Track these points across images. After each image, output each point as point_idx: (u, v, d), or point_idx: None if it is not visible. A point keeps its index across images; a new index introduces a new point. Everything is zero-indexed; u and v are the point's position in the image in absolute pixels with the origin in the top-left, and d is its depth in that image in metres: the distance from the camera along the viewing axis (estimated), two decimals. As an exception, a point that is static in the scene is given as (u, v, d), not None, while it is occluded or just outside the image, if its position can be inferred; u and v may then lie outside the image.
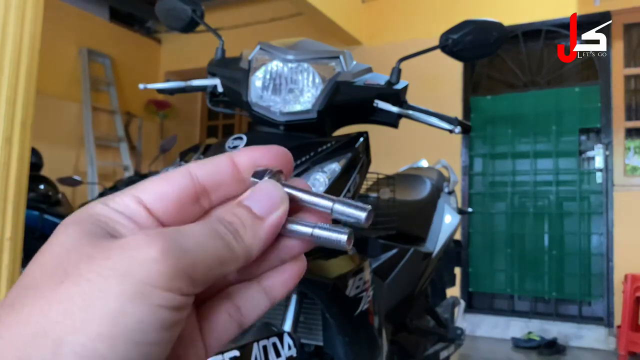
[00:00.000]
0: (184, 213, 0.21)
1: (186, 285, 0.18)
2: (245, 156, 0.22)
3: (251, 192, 0.21)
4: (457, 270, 1.90)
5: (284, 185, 0.22)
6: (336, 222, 0.22)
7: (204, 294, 0.22)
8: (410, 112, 1.06)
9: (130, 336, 0.16)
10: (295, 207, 0.22)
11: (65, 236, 0.18)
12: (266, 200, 0.21)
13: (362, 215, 0.21)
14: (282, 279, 0.23)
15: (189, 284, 0.18)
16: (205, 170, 0.22)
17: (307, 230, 0.21)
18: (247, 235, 0.20)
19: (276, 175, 0.22)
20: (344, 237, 0.21)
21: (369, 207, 0.22)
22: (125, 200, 0.20)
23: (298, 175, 0.89)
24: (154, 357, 0.17)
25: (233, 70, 1.03)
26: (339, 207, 0.22)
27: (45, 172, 3.16)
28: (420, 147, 3.21)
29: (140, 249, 0.17)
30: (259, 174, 0.22)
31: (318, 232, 0.21)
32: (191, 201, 0.21)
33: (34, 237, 2.66)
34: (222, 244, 0.19)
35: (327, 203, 0.22)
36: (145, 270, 0.17)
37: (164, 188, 0.21)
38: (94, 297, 0.16)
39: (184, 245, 0.18)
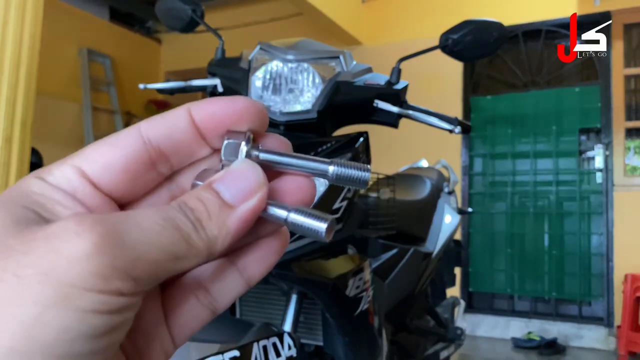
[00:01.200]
0: (138, 183, 0.18)
1: (126, 285, 0.14)
2: (204, 110, 0.18)
3: (224, 174, 0.18)
4: (457, 270, 1.90)
5: (263, 151, 0.19)
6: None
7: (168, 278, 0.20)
8: (410, 112, 1.06)
9: (52, 350, 0.13)
10: (275, 174, 0.19)
11: None
12: (241, 186, 0.17)
13: (366, 175, 0.19)
14: (258, 256, 0.19)
15: (131, 284, 0.15)
16: (157, 129, 0.18)
17: (282, 213, 0.18)
18: (210, 226, 0.17)
19: (249, 140, 0.18)
20: (322, 227, 0.18)
21: (369, 167, 0.19)
22: (65, 173, 0.17)
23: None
24: None
25: (233, 70, 1.03)
26: (336, 168, 0.19)
27: (45, 172, 3.15)
28: (420, 147, 3.21)
29: (69, 240, 0.14)
30: (231, 140, 0.18)
31: (294, 217, 0.18)
32: (145, 167, 0.18)
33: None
34: (177, 236, 0.16)
35: (320, 165, 0.19)
36: (73, 269, 0.14)
37: (109, 156, 0.17)
38: (7, 303, 0.13)
39: (126, 237, 0.15)
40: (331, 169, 0.19)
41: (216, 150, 0.19)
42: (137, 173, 0.18)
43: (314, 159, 0.19)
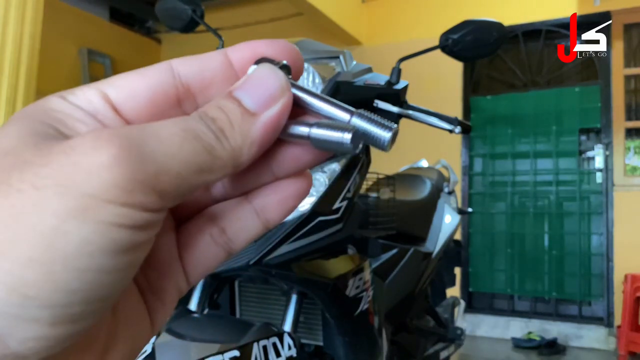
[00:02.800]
0: (161, 117, 0.17)
1: (150, 199, 0.14)
2: (243, 50, 0.18)
3: (244, 80, 0.17)
4: (457, 270, 1.90)
5: (292, 85, 0.17)
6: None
7: (182, 212, 0.19)
8: (410, 112, 1.06)
9: (72, 262, 0.13)
10: (300, 112, 0.18)
11: (4, 137, 0.14)
12: (262, 92, 0.16)
13: (387, 135, 0.17)
14: (278, 198, 0.18)
15: (155, 198, 0.14)
16: (190, 66, 0.17)
17: (304, 129, 0.17)
18: (234, 136, 0.16)
19: (283, 69, 0.17)
20: (347, 137, 0.16)
21: (395, 125, 0.17)
22: (88, 95, 0.16)
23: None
24: (106, 288, 0.14)
25: (233, 70, 1.03)
26: (357, 120, 0.17)
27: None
28: (420, 147, 3.21)
29: (86, 153, 0.13)
30: (259, 63, 0.17)
31: (317, 131, 0.17)
32: (170, 103, 0.17)
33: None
34: (200, 147, 0.15)
35: (342, 114, 0.17)
36: (93, 180, 0.13)
37: (137, 83, 0.17)
38: (25, 213, 0.13)
39: (146, 148, 0.14)
40: (351, 119, 0.17)
41: None
42: (161, 106, 0.17)
43: (339, 104, 0.18)
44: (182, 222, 0.19)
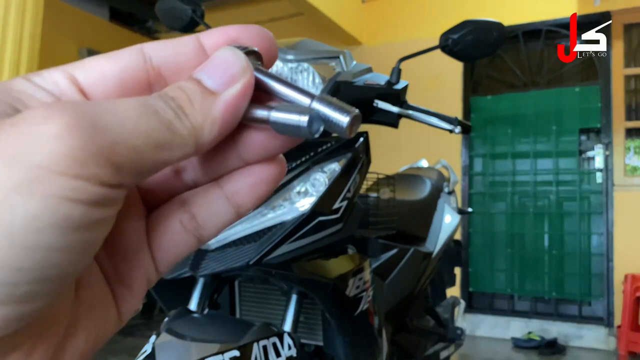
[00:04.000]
0: None
1: (105, 171, 0.13)
2: (215, 35, 0.17)
3: (206, 62, 0.17)
4: (457, 270, 1.90)
5: (257, 69, 0.17)
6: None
7: (153, 199, 0.19)
8: (411, 112, 1.06)
9: (18, 238, 0.12)
10: (265, 99, 0.18)
11: None
12: (222, 71, 0.16)
13: (345, 120, 0.16)
14: (249, 183, 0.18)
15: (110, 170, 0.13)
16: (162, 50, 0.17)
17: (264, 113, 0.17)
18: (194, 114, 0.15)
19: (251, 55, 0.17)
20: (304, 119, 0.16)
21: (356, 110, 0.17)
22: (54, 77, 0.16)
23: (298, 175, 0.89)
24: (56, 268, 0.13)
25: (233, 70, 1.03)
26: (317, 104, 0.17)
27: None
28: (420, 147, 3.21)
29: (37, 124, 0.13)
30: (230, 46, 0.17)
31: (276, 114, 0.16)
32: (141, 87, 0.17)
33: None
34: (158, 122, 0.14)
35: (303, 98, 0.17)
36: (43, 150, 0.12)
37: (106, 67, 0.16)
38: None
39: (99, 119, 0.13)
40: (312, 103, 0.17)
41: None
42: (131, 89, 0.16)
43: (301, 89, 0.17)
44: (151, 209, 0.19)
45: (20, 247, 0.12)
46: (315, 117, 0.16)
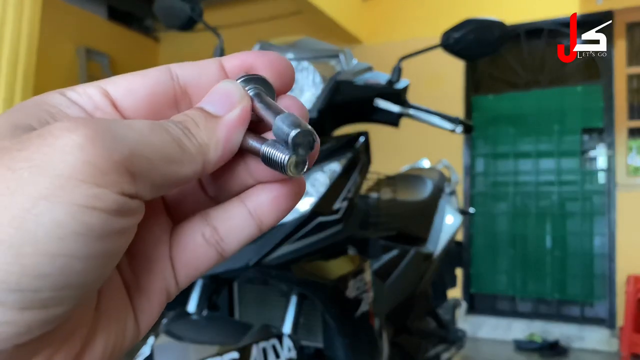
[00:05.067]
0: (159, 117, 0.18)
1: (126, 180, 0.14)
2: (235, 60, 0.19)
3: (207, 95, 0.18)
4: (459, 272, 1.89)
5: (257, 94, 0.19)
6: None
7: (178, 215, 0.20)
8: (412, 111, 1.05)
9: (42, 245, 0.13)
10: (263, 128, 0.19)
11: None
12: (222, 99, 0.18)
13: (286, 157, 0.17)
14: (271, 197, 0.19)
15: (130, 179, 0.14)
16: (187, 70, 0.19)
17: (258, 144, 0.18)
18: (200, 134, 0.17)
19: (259, 81, 0.19)
20: (285, 158, 0.17)
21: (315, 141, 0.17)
22: (88, 91, 0.17)
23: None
24: (78, 276, 0.13)
25: (232, 69, 1.02)
26: (267, 147, 0.18)
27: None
28: (422, 147, 3.20)
29: (61, 136, 0.13)
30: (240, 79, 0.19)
31: (266, 148, 0.18)
32: (168, 102, 0.18)
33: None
34: (168, 137, 0.16)
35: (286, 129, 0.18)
36: (66, 159, 0.13)
37: (136, 82, 0.18)
38: None
39: (118, 132, 0.14)
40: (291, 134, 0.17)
41: None
42: (159, 104, 0.18)
43: (285, 120, 0.18)
44: (174, 222, 0.19)
45: (44, 255, 0.13)
46: (296, 158, 0.17)
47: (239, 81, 0.19)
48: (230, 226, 0.19)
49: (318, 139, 0.18)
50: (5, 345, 0.13)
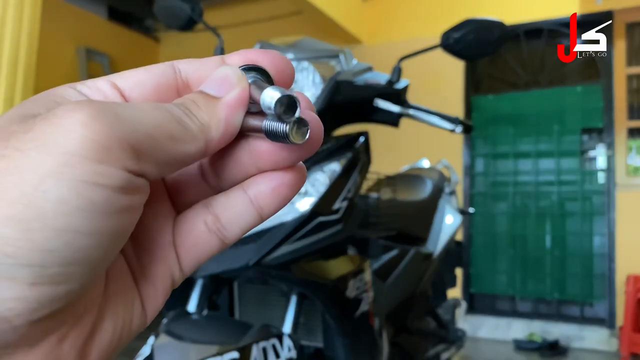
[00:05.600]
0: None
1: (130, 157, 0.14)
2: (238, 57, 0.20)
3: (206, 82, 0.19)
4: (458, 272, 1.89)
5: (256, 82, 0.19)
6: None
7: (182, 202, 0.20)
8: (411, 111, 1.05)
9: (50, 221, 0.13)
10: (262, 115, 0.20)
11: (2, 116, 0.16)
12: (221, 82, 0.18)
13: (285, 128, 0.18)
14: (272, 186, 0.19)
15: (133, 156, 0.15)
16: (190, 65, 0.19)
17: (259, 122, 0.19)
18: (200, 113, 0.17)
19: (255, 71, 0.19)
20: (286, 126, 0.18)
21: (306, 124, 0.18)
22: (98, 84, 0.18)
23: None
24: (84, 251, 0.14)
25: (232, 69, 1.02)
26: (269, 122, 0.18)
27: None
28: (422, 147, 3.20)
29: (67, 114, 0.14)
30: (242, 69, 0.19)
31: (268, 122, 0.18)
32: (172, 93, 0.19)
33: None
34: (169, 116, 0.16)
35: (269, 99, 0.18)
36: (71, 136, 0.14)
37: (143, 75, 0.18)
38: (8, 174, 0.13)
39: (121, 111, 0.15)
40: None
41: None
42: (165, 94, 0.19)
43: (269, 91, 0.18)
44: (178, 210, 0.20)
45: (50, 230, 0.13)
46: (296, 124, 0.18)
47: (247, 74, 0.19)
48: (232, 214, 0.19)
49: (299, 100, 0.18)
50: (20, 321, 0.14)
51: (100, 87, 0.18)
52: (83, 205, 0.13)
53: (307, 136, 0.18)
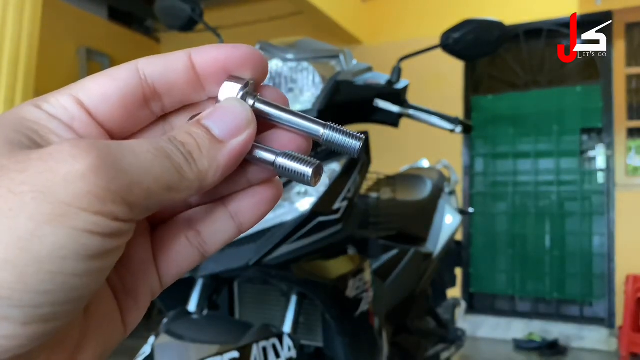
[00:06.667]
0: (132, 119, 0.18)
1: (121, 210, 0.15)
2: (206, 55, 0.19)
3: (213, 110, 0.18)
4: (458, 271, 1.89)
5: (259, 100, 0.19)
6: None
7: (159, 216, 0.20)
8: (411, 111, 1.06)
9: (45, 265, 0.14)
10: (268, 125, 0.19)
11: None
12: (230, 122, 0.18)
13: (357, 144, 0.19)
14: (252, 203, 0.20)
15: (126, 209, 0.15)
16: (154, 67, 0.18)
17: (270, 157, 0.19)
18: (202, 160, 0.17)
19: (250, 88, 0.19)
20: (309, 171, 0.18)
21: (363, 136, 0.19)
22: (62, 102, 0.17)
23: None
24: (76, 291, 0.15)
25: (232, 70, 1.02)
26: (329, 132, 0.19)
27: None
28: (421, 147, 3.20)
29: (65, 161, 0.14)
30: (230, 82, 0.19)
31: (282, 161, 0.18)
32: (139, 104, 0.18)
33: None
34: (169, 165, 0.16)
35: (313, 126, 0.19)
36: (69, 188, 0.14)
37: (107, 87, 0.17)
38: (2, 217, 0.13)
39: (120, 162, 0.15)
40: (323, 131, 0.19)
41: (212, 98, 0.20)
42: (131, 107, 0.18)
43: (309, 118, 0.19)
44: (158, 225, 0.20)
45: (46, 273, 0.14)
46: (319, 169, 0.19)
47: (239, 94, 0.18)
48: (213, 229, 0.20)
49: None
50: (7, 356, 0.14)
51: (66, 107, 0.17)
52: (77, 250, 0.14)
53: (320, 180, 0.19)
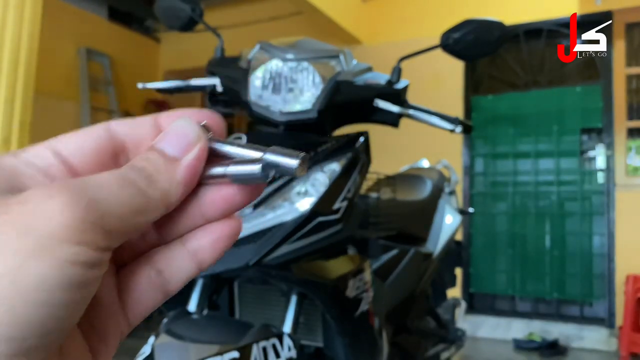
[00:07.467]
0: (103, 167, 0.19)
1: (100, 237, 0.16)
2: (170, 117, 0.21)
3: (163, 134, 0.20)
4: (458, 271, 1.89)
5: (211, 139, 0.20)
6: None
7: (122, 257, 0.21)
8: (411, 111, 1.06)
9: (32, 297, 0.14)
10: (219, 161, 0.20)
11: None
12: (180, 140, 0.19)
13: (294, 162, 0.19)
14: (211, 240, 0.20)
15: (103, 237, 0.16)
16: (124, 126, 0.20)
17: (220, 169, 0.20)
18: (162, 180, 0.18)
19: (202, 128, 0.20)
20: (257, 168, 0.19)
21: (302, 153, 0.19)
22: (39, 151, 0.18)
23: (298, 175, 0.88)
24: (61, 321, 0.15)
25: (232, 70, 1.02)
26: (268, 155, 0.19)
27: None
28: (421, 147, 3.20)
29: (42, 201, 0.15)
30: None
31: (232, 168, 0.19)
32: (109, 156, 0.20)
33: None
34: (135, 191, 0.17)
35: (255, 153, 0.20)
36: (50, 223, 0.15)
37: (82, 140, 0.19)
38: None
39: (92, 194, 0.16)
40: (263, 155, 0.20)
41: None
42: (102, 158, 0.20)
43: (251, 146, 0.20)
44: (121, 267, 0.21)
45: (32, 305, 0.14)
46: (267, 165, 0.19)
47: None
48: (175, 268, 0.20)
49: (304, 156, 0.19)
50: None
51: (42, 155, 0.18)
52: (62, 281, 0.15)
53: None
